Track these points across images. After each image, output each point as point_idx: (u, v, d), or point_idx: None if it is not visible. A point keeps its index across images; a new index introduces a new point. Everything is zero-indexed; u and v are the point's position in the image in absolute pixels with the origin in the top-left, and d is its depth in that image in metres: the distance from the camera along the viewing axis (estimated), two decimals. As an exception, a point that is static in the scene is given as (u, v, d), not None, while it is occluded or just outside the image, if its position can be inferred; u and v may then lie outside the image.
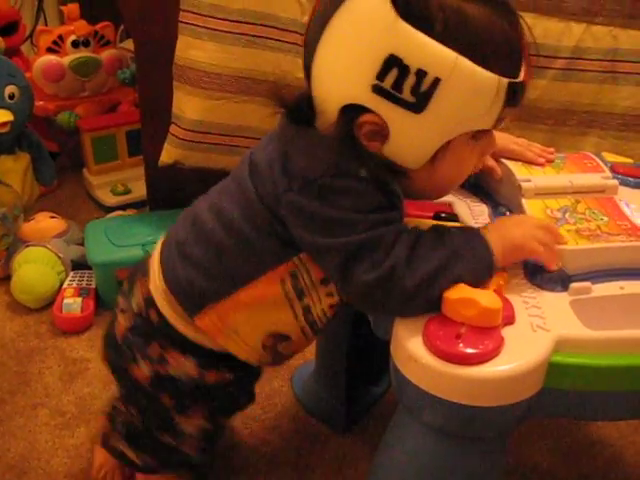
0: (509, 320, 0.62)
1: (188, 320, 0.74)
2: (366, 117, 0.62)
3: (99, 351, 0.88)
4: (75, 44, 1.69)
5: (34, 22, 2.01)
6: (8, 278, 1.34)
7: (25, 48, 1.90)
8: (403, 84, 0.60)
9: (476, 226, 0.72)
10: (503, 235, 0.66)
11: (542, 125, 1.21)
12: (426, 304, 0.63)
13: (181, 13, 1.18)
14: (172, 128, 1.26)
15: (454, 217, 0.78)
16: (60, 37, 1.67)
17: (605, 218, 0.74)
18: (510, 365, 0.59)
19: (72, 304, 1.25)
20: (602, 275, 0.68)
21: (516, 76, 0.63)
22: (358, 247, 0.63)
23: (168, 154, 1.28)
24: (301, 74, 1.18)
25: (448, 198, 0.79)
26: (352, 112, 0.63)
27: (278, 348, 0.76)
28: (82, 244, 1.38)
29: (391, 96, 0.60)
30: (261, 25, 1.17)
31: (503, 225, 0.68)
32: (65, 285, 1.31)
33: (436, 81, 0.59)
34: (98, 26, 1.71)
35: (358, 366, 1.03)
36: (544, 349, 0.60)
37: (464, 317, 0.61)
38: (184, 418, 0.80)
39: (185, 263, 0.73)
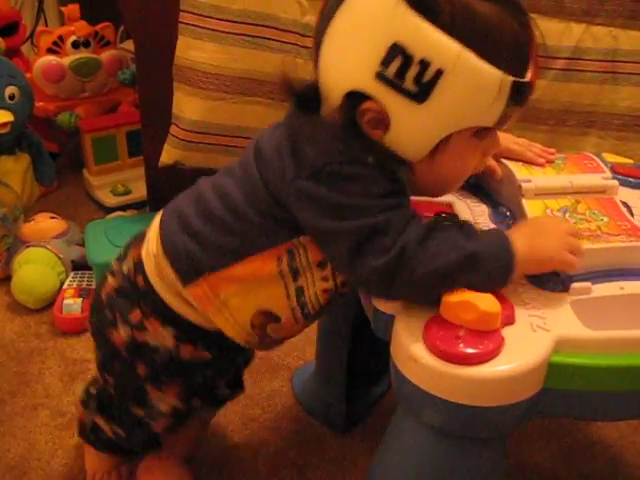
0: (509, 320, 0.62)
1: (176, 290, 0.74)
2: (368, 104, 0.63)
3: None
4: (75, 45, 1.69)
5: (34, 23, 2.01)
6: (8, 279, 1.34)
7: (25, 49, 1.90)
8: (406, 73, 0.60)
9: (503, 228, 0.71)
10: (532, 244, 0.65)
11: (542, 125, 1.21)
12: (433, 293, 0.63)
13: (181, 14, 1.18)
14: (172, 129, 1.26)
15: (454, 217, 0.78)
16: (60, 38, 1.67)
17: (605, 218, 0.74)
18: (510, 365, 0.59)
19: (72, 305, 1.25)
20: (602, 275, 0.68)
21: (522, 75, 0.63)
22: (368, 231, 0.63)
23: (168, 155, 1.29)
24: (301, 74, 1.20)
25: (448, 198, 0.80)
26: (355, 99, 0.63)
27: (267, 329, 0.75)
28: (82, 245, 1.38)
29: (394, 84, 0.61)
30: (261, 26, 1.17)
31: (534, 232, 0.67)
32: (65, 286, 1.31)
33: (439, 72, 0.60)
34: (98, 27, 1.71)
35: (358, 366, 1.03)
36: (544, 349, 0.60)
37: (463, 320, 0.61)
38: (158, 393, 0.80)
39: (185, 233, 0.73)
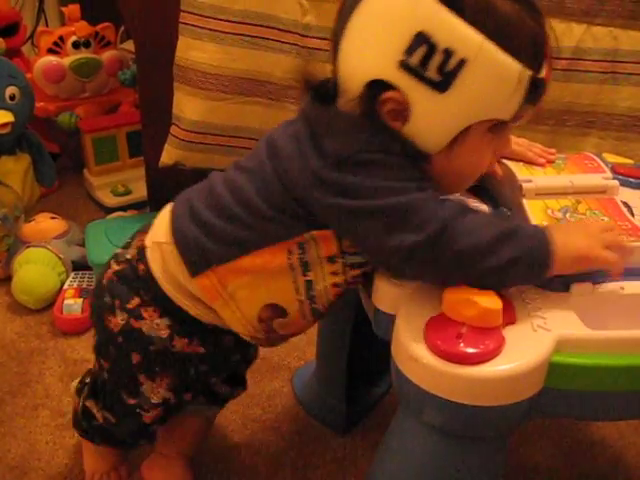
0: (510, 320, 0.62)
1: (178, 281, 0.75)
2: (389, 94, 0.64)
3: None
4: (76, 45, 1.69)
5: (35, 23, 2.01)
6: (9, 279, 1.34)
7: (26, 49, 1.90)
8: (429, 62, 0.61)
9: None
10: (566, 242, 0.65)
11: (542, 125, 1.21)
12: (475, 270, 0.63)
13: (181, 14, 1.18)
14: (172, 129, 1.26)
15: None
16: (61, 38, 1.67)
17: (606, 218, 0.74)
18: (511, 365, 0.59)
19: (73, 305, 1.25)
20: (603, 275, 0.68)
21: (538, 72, 0.64)
22: (404, 208, 0.63)
23: (169, 155, 1.29)
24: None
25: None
26: (376, 88, 0.64)
27: (273, 324, 0.75)
28: (83, 245, 1.38)
29: (417, 73, 0.62)
30: (262, 26, 1.17)
31: (567, 231, 0.67)
32: (66, 286, 1.32)
33: (462, 62, 0.61)
34: (99, 27, 1.71)
35: (358, 367, 1.03)
36: (545, 349, 0.60)
37: (464, 317, 0.61)
38: (150, 383, 0.80)
39: (195, 224, 0.73)
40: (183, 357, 0.79)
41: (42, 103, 1.67)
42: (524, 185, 0.77)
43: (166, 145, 1.28)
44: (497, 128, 0.67)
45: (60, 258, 1.34)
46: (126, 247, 0.81)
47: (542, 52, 0.65)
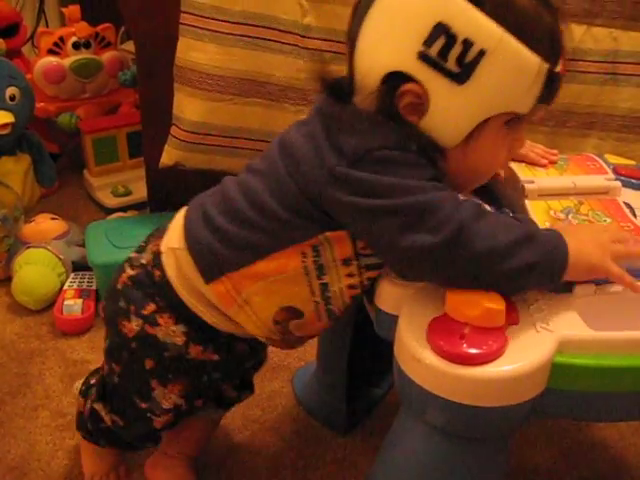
0: (513, 320, 0.62)
1: (193, 287, 0.74)
2: (408, 86, 0.63)
3: (99, 352, 0.88)
4: (76, 46, 1.69)
5: (35, 24, 2.01)
6: (9, 279, 1.34)
7: (26, 50, 1.90)
8: (449, 53, 0.61)
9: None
10: (579, 251, 0.64)
11: (543, 126, 1.21)
12: (491, 273, 0.62)
13: (182, 15, 1.18)
14: (173, 130, 1.26)
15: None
16: (61, 39, 1.67)
17: (608, 219, 0.74)
18: (513, 365, 0.59)
19: (73, 305, 1.25)
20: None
21: (555, 65, 0.64)
22: (421, 208, 0.62)
23: (169, 155, 1.29)
24: (301, 75, 1.20)
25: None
26: (394, 80, 0.64)
27: (289, 326, 0.75)
28: (83, 245, 1.38)
29: (436, 64, 0.62)
30: (262, 27, 1.17)
31: (580, 238, 0.66)
32: (66, 286, 1.32)
33: (481, 53, 0.61)
34: (99, 28, 1.72)
35: (359, 367, 1.03)
36: (547, 350, 0.60)
37: (467, 317, 0.61)
38: (162, 388, 0.79)
39: (208, 230, 0.72)
40: (197, 364, 0.78)
41: (42, 104, 1.67)
42: (526, 186, 0.78)
43: (166, 146, 1.28)
44: (513, 122, 0.66)
45: (60, 259, 1.34)
46: (140, 251, 0.80)
47: (559, 46, 0.65)
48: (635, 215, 0.76)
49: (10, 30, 1.72)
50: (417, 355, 0.60)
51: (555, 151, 0.86)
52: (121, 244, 1.30)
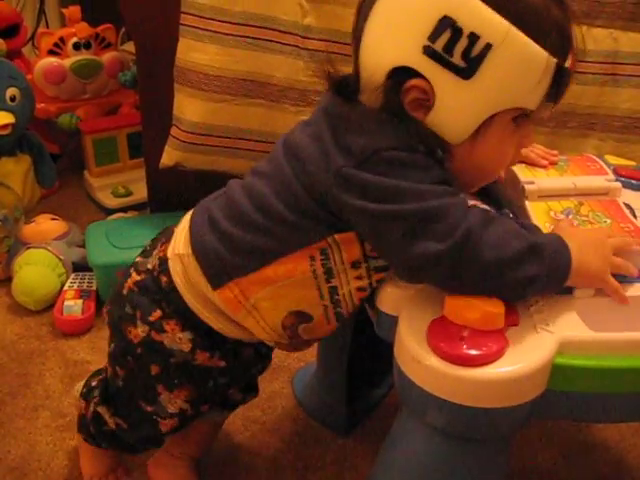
0: (513, 322, 0.62)
1: (200, 293, 0.73)
2: (414, 82, 0.63)
3: (100, 353, 0.88)
4: (76, 46, 1.69)
5: (35, 24, 2.01)
6: (9, 280, 1.34)
7: (26, 50, 1.90)
8: (454, 47, 0.60)
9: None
10: (580, 261, 0.64)
11: (543, 127, 1.21)
12: (497, 283, 0.62)
13: (182, 15, 1.18)
14: (173, 130, 1.26)
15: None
16: (61, 39, 1.67)
17: (608, 220, 0.74)
18: (514, 367, 0.59)
19: (73, 306, 1.25)
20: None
21: (564, 61, 0.63)
22: (427, 215, 0.61)
23: (169, 156, 1.29)
24: (302, 76, 1.20)
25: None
26: (400, 76, 0.63)
27: (298, 330, 0.74)
28: (83, 246, 1.38)
29: (441, 59, 0.61)
30: (262, 28, 1.17)
31: (581, 248, 0.65)
32: (66, 287, 1.31)
33: (487, 47, 0.60)
34: (99, 28, 1.72)
35: (359, 368, 1.03)
36: (548, 351, 0.60)
37: (467, 320, 0.61)
38: (168, 393, 0.79)
39: (215, 236, 0.71)
40: (203, 370, 0.78)
41: (43, 104, 1.66)
42: (527, 187, 0.78)
43: (166, 146, 1.28)
44: (521, 119, 0.65)
45: (60, 259, 1.34)
46: (146, 256, 0.79)
47: (568, 41, 0.64)
48: (635, 216, 0.76)
49: (10, 31, 1.72)
50: (417, 356, 0.60)
51: (555, 152, 0.85)
52: (121, 245, 1.30)
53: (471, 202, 0.70)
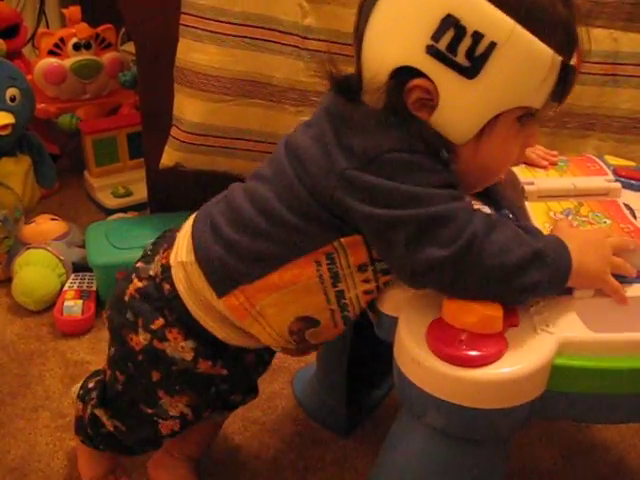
0: (513, 322, 0.62)
1: (203, 301, 0.73)
2: (417, 81, 0.62)
3: (100, 353, 0.88)
4: (76, 47, 1.69)
5: (35, 25, 2.01)
6: (9, 280, 1.34)
7: (27, 51, 1.90)
8: (458, 46, 0.59)
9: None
10: (580, 263, 0.64)
11: (543, 128, 1.21)
12: (500, 289, 0.62)
13: (182, 16, 1.18)
14: (173, 131, 1.26)
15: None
16: (61, 40, 1.68)
17: (608, 221, 0.74)
18: (513, 367, 0.59)
19: (73, 306, 1.25)
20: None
21: (569, 59, 0.63)
22: (431, 220, 0.61)
23: (169, 157, 1.29)
24: (302, 77, 1.20)
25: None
26: (403, 76, 0.62)
27: (305, 335, 0.73)
28: (83, 246, 1.38)
29: (445, 58, 0.60)
30: (262, 28, 1.17)
31: (581, 249, 0.65)
32: (66, 287, 1.31)
33: (492, 45, 0.59)
34: (99, 29, 1.72)
35: (359, 369, 1.03)
36: (547, 351, 0.60)
37: (465, 324, 0.61)
38: (169, 398, 0.78)
39: (218, 243, 0.70)
40: (205, 378, 0.77)
41: (43, 105, 1.67)
42: (526, 187, 0.78)
43: (166, 147, 1.28)
44: (526, 118, 0.65)
45: (60, 260, 1.34)
46: (148, 261, 0.78)
47: (573, 38, 0.64)
48: (635, 216, 0.76)
49: (10, 31, 1.73)
50: (417, 357, 0.60)
51: (555, 152, 0.85)
52: (121, 245, 1.30)
53: (474, 205, 0.70)
